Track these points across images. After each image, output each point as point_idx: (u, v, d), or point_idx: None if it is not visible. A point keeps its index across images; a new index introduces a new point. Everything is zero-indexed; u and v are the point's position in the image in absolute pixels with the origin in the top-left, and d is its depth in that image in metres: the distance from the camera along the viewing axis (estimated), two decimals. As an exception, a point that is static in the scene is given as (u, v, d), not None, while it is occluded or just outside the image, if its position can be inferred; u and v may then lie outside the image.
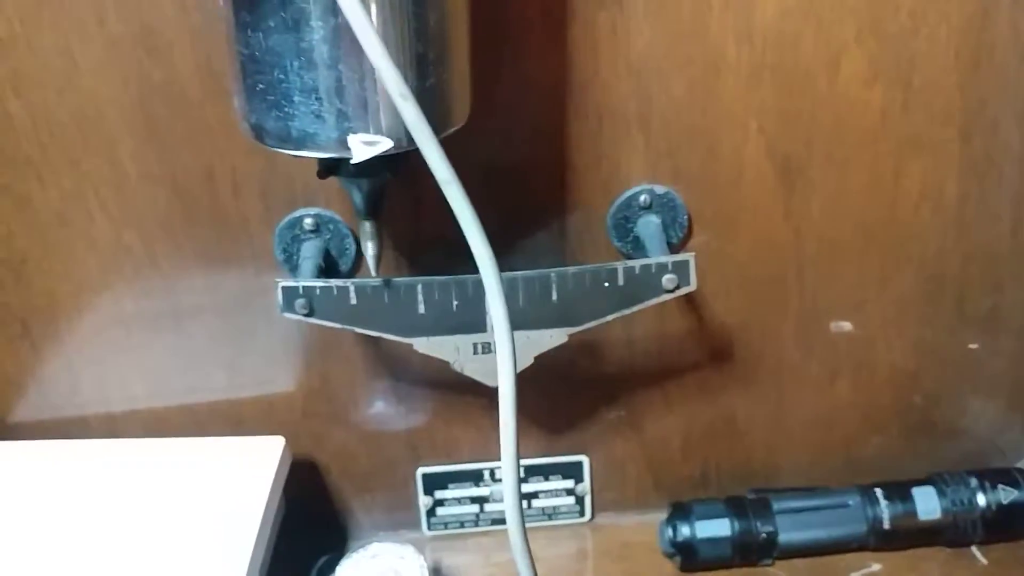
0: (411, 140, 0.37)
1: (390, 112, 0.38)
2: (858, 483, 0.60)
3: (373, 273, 0.48)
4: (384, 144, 0.39)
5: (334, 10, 0.36)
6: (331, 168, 0.44)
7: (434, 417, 0.61)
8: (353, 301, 0.50)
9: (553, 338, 0.51)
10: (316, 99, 0.38)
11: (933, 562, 0.59)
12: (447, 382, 0.57)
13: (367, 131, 0.39)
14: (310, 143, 0.39)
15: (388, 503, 0.63)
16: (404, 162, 0.42)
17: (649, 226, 0.54)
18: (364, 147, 0.39)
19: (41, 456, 0.57)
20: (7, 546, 0.51)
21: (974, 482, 0.59)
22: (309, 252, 0.53)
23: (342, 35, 0.37)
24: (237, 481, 0.54)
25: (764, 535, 0.58)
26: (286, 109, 0.39)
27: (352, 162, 0.39)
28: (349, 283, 0.50)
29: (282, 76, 0.38)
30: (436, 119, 0.38)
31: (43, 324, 0.56)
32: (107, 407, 0.59)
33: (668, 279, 0.50)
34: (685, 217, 0.55)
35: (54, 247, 0.54)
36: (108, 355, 0.57)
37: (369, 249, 0.47)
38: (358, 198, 0.45)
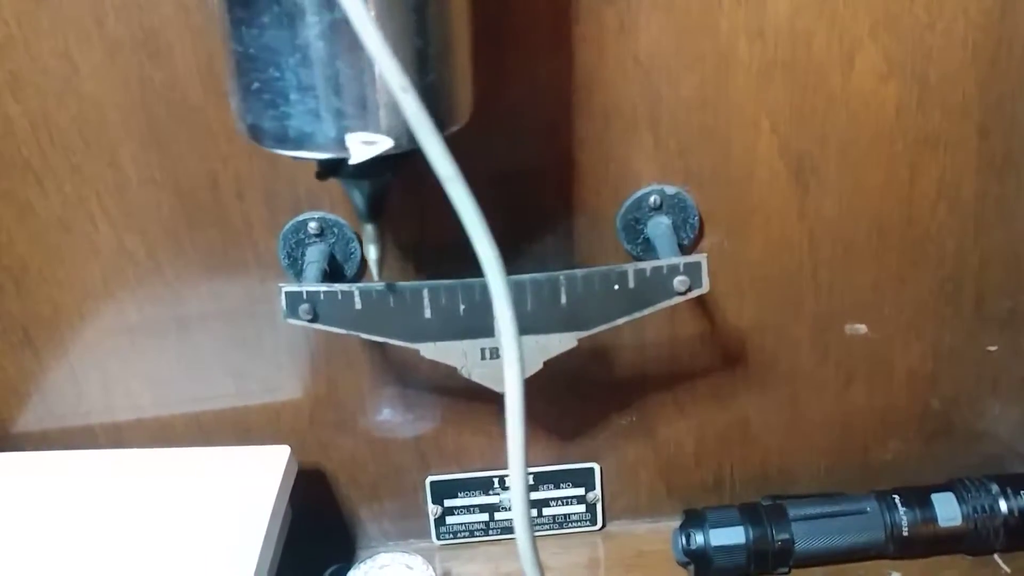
0: (412, 139, 0.36)
1: (390, 110, 0.37)
2: (875, 489, 0.59)
3: (376, 278, 0.47)
4: (384, 143, 0.38)
5: (330, 5, 0.35)
6: (331, 169, 0.43)
7: (443, 424, 0.60)
8: (358, 306, 0.49)
9: (562, 342, 0.50)
10: (313, 97, 0.37)
11: (954, 570, 0.58)
12: (455, 388, 0.57)
13: (366, 130, 0.38)
14: (308, 143, 0.38)
15: (396, 512, 0.63)
16: (406, 163, 0.41)
17: (659, 227, 0.53)
18: (363, 147, 0.37)
19: (46, 467, 0.57)
20: (13, 559, 0.51)
21: (995, 488, 0.58)
22: (313, 256, 0.52)
23: (339, 30, 0.36)
24: (242, 491, 0.54)
25: (780, 543, 0.57)
26: (283, 108, 0.38)
27: (350, 163, 0.38)
28: (354, 287, 0.49)
29: (278, 74, 0.37)
30: (436, 117, 0.36)
31: (46, 332, 0.56)
32: (112, 416, 0.59)
33: (680, 281, 0.49)
34: (696, 218, 0.54)
35: (56, 254, 0.53)
36: (112, 363, 0.57)
37: (371, 253, 0.46)
38: (359, 200, 0.44)
